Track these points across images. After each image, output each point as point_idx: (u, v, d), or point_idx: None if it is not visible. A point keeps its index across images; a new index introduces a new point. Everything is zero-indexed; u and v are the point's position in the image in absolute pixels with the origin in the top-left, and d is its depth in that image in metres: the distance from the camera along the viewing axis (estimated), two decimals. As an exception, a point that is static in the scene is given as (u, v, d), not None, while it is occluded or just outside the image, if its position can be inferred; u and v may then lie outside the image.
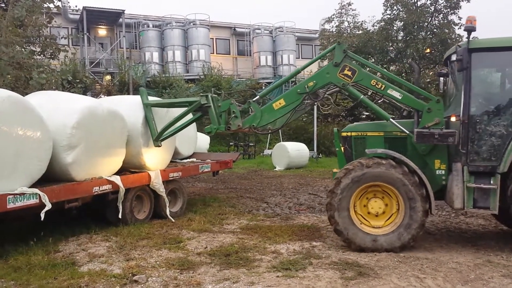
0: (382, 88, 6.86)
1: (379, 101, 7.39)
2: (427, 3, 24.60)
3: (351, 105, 14.70)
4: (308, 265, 5.80)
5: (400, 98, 6.85)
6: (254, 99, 7.43)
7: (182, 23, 36.53)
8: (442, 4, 24.35)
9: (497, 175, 6.20)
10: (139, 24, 35.67)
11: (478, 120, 6.35)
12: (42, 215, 6.05)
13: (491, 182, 6.22)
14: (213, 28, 37.55)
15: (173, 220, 8.47)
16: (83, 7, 30.71)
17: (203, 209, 9.71)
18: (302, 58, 39.42)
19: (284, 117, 7.20)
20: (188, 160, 10.77)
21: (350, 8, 26.53)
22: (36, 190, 6.03)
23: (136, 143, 8.22)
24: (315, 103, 7.52)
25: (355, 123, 7.80)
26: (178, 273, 5.51)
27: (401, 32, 25.26)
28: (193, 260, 6.03)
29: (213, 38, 38.05)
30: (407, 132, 6.71)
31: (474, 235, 7.62)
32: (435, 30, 24.37)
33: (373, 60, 25.86)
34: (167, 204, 8.62)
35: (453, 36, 23.97)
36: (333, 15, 27.04)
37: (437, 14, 24.70)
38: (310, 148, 22.88)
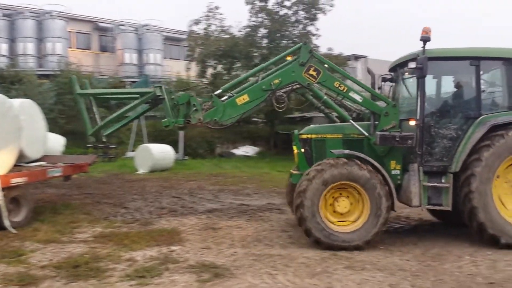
0: (344, 91, 7.14)
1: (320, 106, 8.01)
2: (289, 13, 26.16)
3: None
4: (164, 270, 5.66)
5: (360, 101, 7.17)
6: (216, 92, 7.28)
7: (37, 13, 33.30)
8: (302, 15, 26.10)
9: (449, 175, 6.84)
10: (-17, 11, 31.54)
11: (431, 124, 6.97)
12: None
13: (443, 181, 6.85)
14: (72, 21, 34.97)
15: (15, 231, 7.54)
16: None
17: (52, 218, 8.81)
18: (170, 58, 38.82)
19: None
20: (36, 163, 9.71)
21: (218, 12, 26.90)
22: None
23: None
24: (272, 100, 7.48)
25: (312, 125, 7.90)
26: (16, 290, 4.90)
27: (265, 39, 26.40)
28: (36, 274, 5.47)
29: (71, 32, 35.36)
30: (366, 134, 7.08)
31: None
32: (295, 39, 25.99)
33: (239, 64, 26.47)
34: (6, 215, 7.61)
35: (311, 46, 25.81)
36: (201, 17, 27.15)
37: (297, 24, 26.39)
38: (177, 150, 22.58)
